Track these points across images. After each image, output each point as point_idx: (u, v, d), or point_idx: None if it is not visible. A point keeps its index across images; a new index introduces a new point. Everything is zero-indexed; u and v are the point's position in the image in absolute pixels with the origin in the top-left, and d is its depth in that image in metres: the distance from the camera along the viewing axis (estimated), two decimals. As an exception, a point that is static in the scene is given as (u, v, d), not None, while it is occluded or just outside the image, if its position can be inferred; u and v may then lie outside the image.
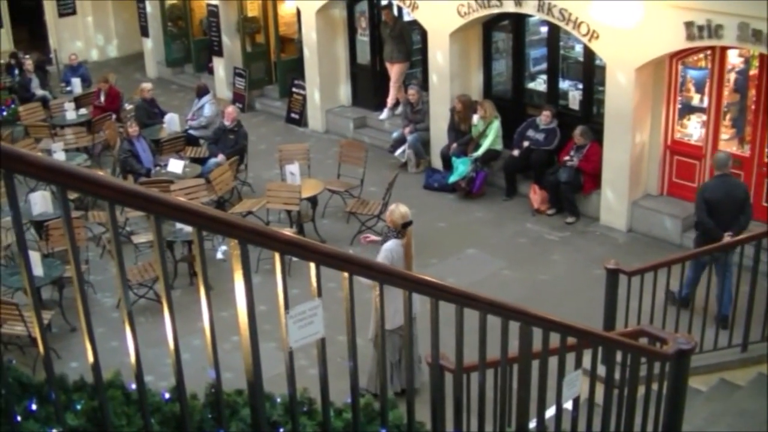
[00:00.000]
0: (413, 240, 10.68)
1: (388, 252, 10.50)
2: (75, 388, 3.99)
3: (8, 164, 2.99)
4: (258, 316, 3.83)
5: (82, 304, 3.33)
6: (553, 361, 5.72)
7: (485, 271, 14.47)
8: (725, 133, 14.92)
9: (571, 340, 5.78)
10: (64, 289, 13.52)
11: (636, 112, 14.86)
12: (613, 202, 15.56)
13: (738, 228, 11.94)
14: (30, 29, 29.37)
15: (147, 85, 20.94)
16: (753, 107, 14.53)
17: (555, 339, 5.63)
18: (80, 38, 29.43)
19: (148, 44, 27.35)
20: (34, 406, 3.76)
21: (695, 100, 15.07)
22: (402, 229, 10.56)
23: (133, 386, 3.86)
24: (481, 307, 4.95)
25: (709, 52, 14.53)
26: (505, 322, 5.16)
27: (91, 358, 3.39)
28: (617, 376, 6.60)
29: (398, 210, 10.66)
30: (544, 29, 17.48)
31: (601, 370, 6.57)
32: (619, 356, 6.54)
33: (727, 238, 11.60)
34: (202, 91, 20.05)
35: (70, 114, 21.10)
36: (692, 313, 9.79)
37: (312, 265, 4.01)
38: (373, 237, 10.99)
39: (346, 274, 4.13)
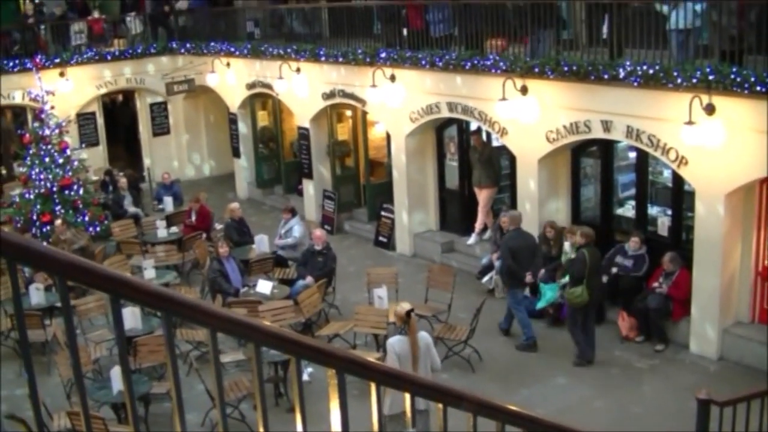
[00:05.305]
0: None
1: (390, 346, 11.08)
2: None
3: (115, 288, 3.10)
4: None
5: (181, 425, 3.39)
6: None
7: (573, 400, 14.22)
8: (816, 259, 14.72)
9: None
10: (150, 405, 13.64)
11: (726, 239, 14.70)
12: (703, 329, 15.30)
13: (534, 269, 16.17)
14: (125, 147, 30.35)
15: (234, 205, 21.36)
16: None
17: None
18: (173, 157, 30.26)
19: (240, 164, 27.93)
20: None
21: (786, 225, 14.90)
22: (407, 318, 10.98)
23: None
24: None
25: (800, 177, 14.43)
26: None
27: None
28: None
29: (400, 305, 11.30)
30: (633, 155, 17.48)
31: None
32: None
33: (528, 277, 16.04)
34: (290, 213, 20.30)
35: (162, 231, 21.55)
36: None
37: (407, 396, 4.02)
38: None
39: (440, 405, 4.14)
